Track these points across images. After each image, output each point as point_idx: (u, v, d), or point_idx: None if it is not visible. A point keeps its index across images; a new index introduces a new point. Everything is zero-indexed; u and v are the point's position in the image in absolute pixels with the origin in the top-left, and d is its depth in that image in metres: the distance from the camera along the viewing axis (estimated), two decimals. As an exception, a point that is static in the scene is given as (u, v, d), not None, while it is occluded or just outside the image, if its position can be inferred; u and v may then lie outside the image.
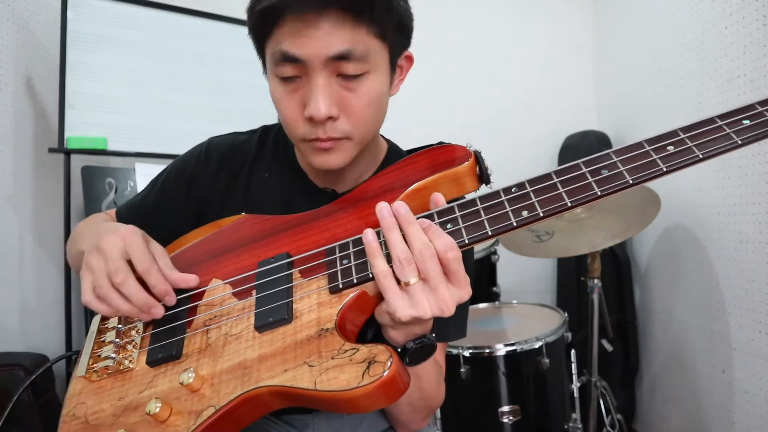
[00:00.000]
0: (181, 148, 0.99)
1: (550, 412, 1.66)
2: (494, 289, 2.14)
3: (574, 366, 1.73)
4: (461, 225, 0.63)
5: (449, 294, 0.60)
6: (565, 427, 1.68)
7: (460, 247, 0.61)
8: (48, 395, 1.67)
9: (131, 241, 0.71)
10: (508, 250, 1.95)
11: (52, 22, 1.95)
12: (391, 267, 0.60)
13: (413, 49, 0.86)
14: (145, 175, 1.94)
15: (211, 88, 2.11)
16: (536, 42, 2.74)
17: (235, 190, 0.91)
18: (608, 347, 1.99)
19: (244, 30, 0.80)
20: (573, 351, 1.74)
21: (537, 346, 1.61)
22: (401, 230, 0.61)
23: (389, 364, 0.56)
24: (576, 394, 1.72)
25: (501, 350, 1.60)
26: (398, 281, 0.60)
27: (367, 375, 0.56)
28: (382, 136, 0.96)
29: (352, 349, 0.60)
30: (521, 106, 2.72)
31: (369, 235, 0.62)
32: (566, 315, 1.80)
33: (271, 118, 0.94)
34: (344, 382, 0.57)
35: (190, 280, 0.74)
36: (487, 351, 1.60)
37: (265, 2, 0.71)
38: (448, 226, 0.63)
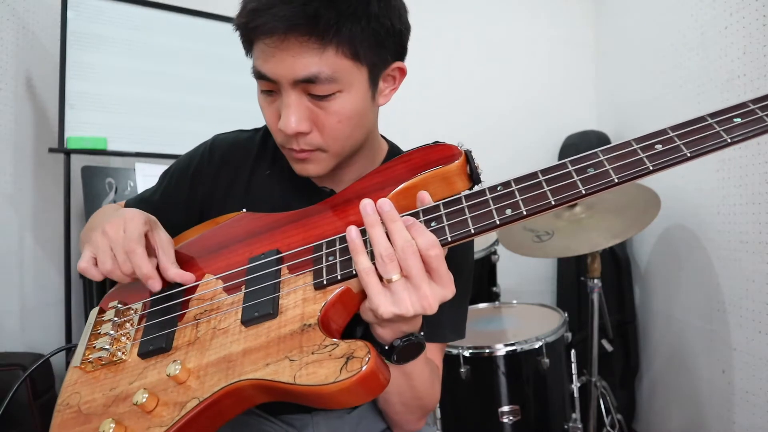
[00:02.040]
0: (181, 148, 1.00)
1: (550, 412, 1.66)
2: (494, 289, 2.14)
3: (574, 366, 1.73)
4: (445, 223, 0.63)
5: (431, 292, 0.60)
6: (565, 427, 1.67)
7: (443, 245, 0.61)
8: (48, 396, 1.68)
9: (130, 222, 0.74)
10: (508, 250, 1.94)
11: (52, 22, 1.95)
12: (374, 264, 0.61)
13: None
14: (145, 175, 1.95)
15: (211, 88, 2.12)
16: (536, 42, 2.74)
17: (237, 188, 0.92)
18: (608, 347, 1.98)
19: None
20: (573, 351, 1.73)
21: (537, 346, 1.60)
22: (385, 227, 0.61)
23: (367, 359, 0.57)
24: (576, 394, 1.72)
25: (501, 350, 1.60)
26: (381, 278, 0.60)
27: (345, 370, 0.57)
28: (383, 136, 0.97)
29: (332, 344, 0.60)
30: (521, 106, 2.72)
31: (352, 232, 0.62)
32: (566, 315, 1.79)
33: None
34: (322, 376, 0.57)
35: (186, 277, 0.76)
36: (487, 351, 1.60)
37: (239, 20, 0.74)
38: (432, 224, 0.63)
